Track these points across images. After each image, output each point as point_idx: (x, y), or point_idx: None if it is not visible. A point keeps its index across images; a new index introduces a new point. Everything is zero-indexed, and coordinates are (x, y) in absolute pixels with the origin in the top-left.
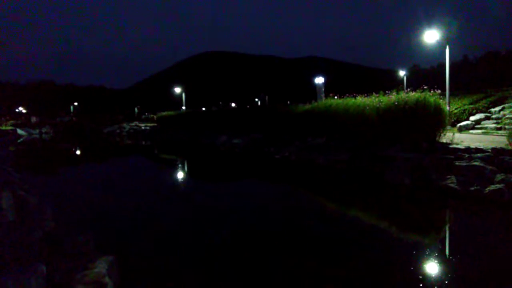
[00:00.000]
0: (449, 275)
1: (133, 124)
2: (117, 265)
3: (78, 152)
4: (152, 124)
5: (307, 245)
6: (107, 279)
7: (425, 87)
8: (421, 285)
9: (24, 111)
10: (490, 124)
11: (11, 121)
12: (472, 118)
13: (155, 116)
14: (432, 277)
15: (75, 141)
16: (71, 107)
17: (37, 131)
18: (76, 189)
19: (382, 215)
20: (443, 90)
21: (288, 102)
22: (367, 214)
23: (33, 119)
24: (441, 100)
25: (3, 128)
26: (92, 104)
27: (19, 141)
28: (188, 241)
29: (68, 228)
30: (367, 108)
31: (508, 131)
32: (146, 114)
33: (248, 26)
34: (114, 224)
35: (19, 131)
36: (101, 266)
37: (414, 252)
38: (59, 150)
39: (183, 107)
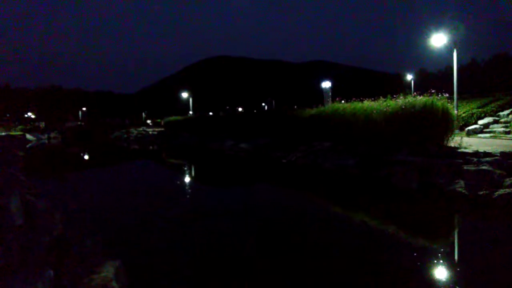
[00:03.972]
0: (459, 281)
1: (141, 129)
2: (124, 270)
3: (86, 157)
4: (159, 129)
5: (317, 248)
6: (114, 284)
7: (433, 91)
8: None
9: (32, 116)
10: (498, 128)
11: (20, 126)
12: (481, 122)
13: (162, 121)
14: (442, 283)
15: (83, 146)
16: (79, 112)
17: (46, 136)
18: (85, 194)
19: (391, 220)
20: (451, 93)
21: (295, 106)
22: (375, 218)
23: (42, 124)
24: (449, 104)
25: (13, 133)
26: (100, 109)
27: (28, 146)
28: (200, 247)
29: (76, 232)
30: (374, 112)
31: None
32: (154, 119)
33: (255, 31)
34: (122, 228)
35: (28, 136)
36: (108, 270)
37: (424, 257)
38: (67, 155)
39: (190, 112)
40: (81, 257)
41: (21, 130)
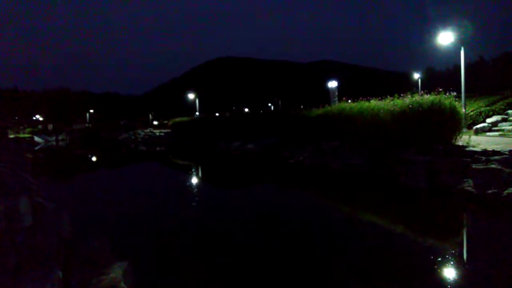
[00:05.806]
0: (468, 279)
1: (148, 130)
2: (132, 271)
3: (93, 158)
4: (166, 130)
5: (328, 248)
6: (122, 284)
7: (440, 90)
8: None
9: (41, 118)
10: (507, 126)
11: (29, 129)
12: (489, 120)
13: (169, 122)
14: (451, 281)
15: (91, 148)
16: (87, 115)
17: (54, 138)
18: (93, 195)
19: (400, 219)
20: (459, 92)
21: (302, 106)
22: (384, 217)
23: (50, 126)
24: (456, 103)
25: (21, 135)
26: (107, 111)
27: (36, 148)
28: (208, 249)
29: (84, 233)
30: (382, 111)
31: None
32: (161, 120)
33: (260, 32)
34: (130, 230)
35: (36, 138)
36: (116, 272)
37: (433, 255)
38: (75, 156)
39: (197, 113)
40: (90, 258)
41: (30, 132)
